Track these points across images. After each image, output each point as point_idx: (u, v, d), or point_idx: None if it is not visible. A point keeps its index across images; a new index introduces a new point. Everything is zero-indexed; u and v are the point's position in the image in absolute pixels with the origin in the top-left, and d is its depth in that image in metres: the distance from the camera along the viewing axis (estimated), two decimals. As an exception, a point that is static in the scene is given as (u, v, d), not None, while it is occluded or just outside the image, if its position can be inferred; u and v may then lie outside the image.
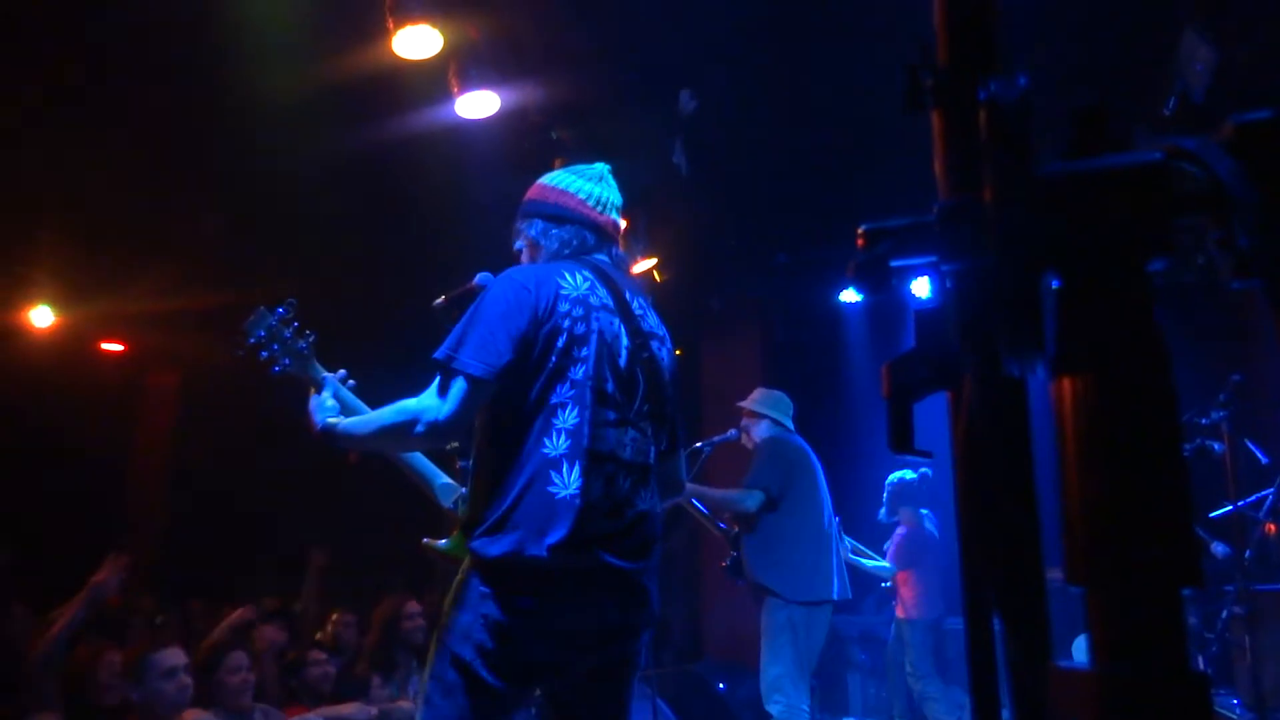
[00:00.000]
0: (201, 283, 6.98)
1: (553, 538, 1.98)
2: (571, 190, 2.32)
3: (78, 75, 5.02)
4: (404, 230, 6.53)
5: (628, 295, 2.26)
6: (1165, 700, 0.56)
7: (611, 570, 2.05)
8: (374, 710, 4.35)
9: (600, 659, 2.13)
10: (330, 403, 2.30)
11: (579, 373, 2.09)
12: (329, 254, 6.82)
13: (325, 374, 2.43)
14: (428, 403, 2.03)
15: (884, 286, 0.71)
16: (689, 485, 4.63)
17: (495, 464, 2.07)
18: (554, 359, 2.07)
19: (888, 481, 6.45)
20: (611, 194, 2.36)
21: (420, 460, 2.45)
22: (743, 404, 4.90)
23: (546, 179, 2.38)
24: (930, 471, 6.42)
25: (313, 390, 2.37)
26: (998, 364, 0.61)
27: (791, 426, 4.81)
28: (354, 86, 4.78)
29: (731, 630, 7.71)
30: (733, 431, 4.89)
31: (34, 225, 6.58)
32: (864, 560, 6.10)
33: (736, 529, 4.66)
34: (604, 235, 2.31)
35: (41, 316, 7.55)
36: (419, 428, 2.02)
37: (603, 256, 2.29)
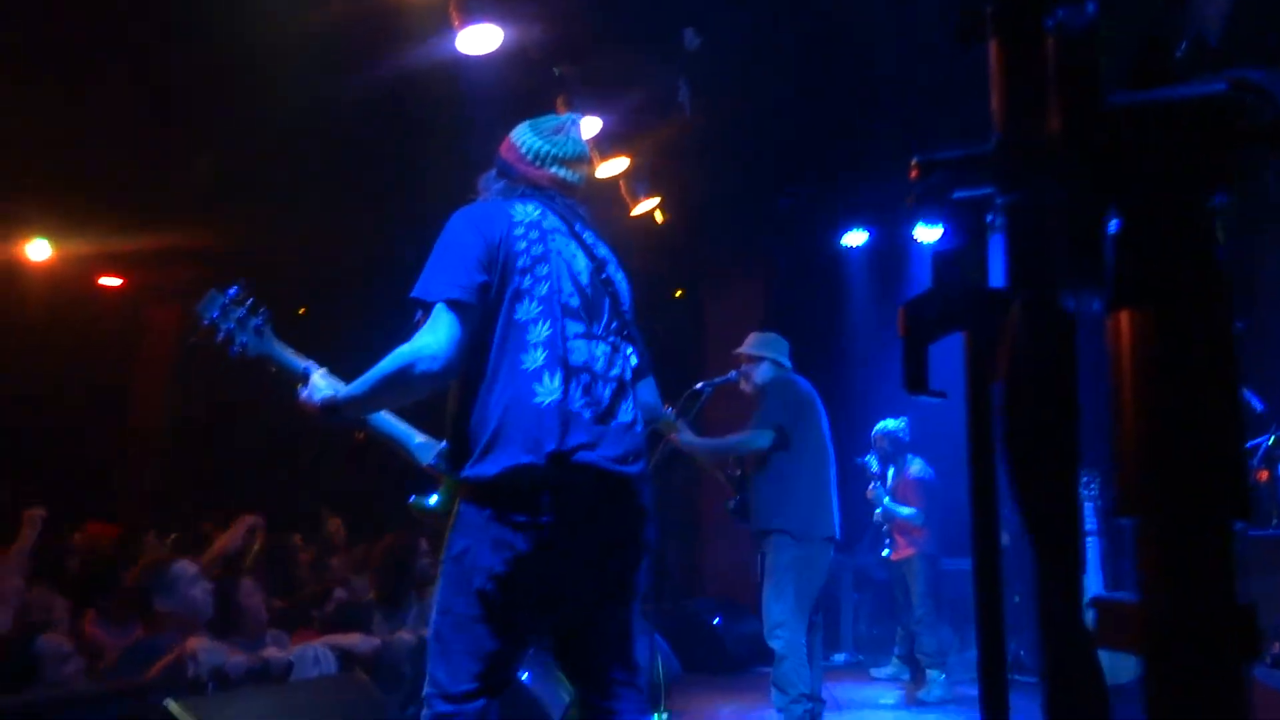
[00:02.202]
0: (200, 218, 6.92)
1: (548, 445, 2.01)
2: (517, 144, 2.36)
3: (75, 12, 4.92)
4: (405, 166, 6.45)
5: (577, 226, 2.31)
6: (1212, 632, 0.57)
7: (605, 475, 2.08)
8: (376, 641, 4.42)
9: (604, 577, 2.15)
10: (322, 383, 2.27)
11: (543, 289, 2.13)
12: (329, 192, 6.75)
13: (309, 363, 2.37)
14: (419, 342, 2.04)
15: (944, 219, 0.70)
16: (692, 435, 4.67)
17: (474, 390, 2.09)
18: (516, 278, 2.12)
19: (880, 431, 6.50)
20: (560, 148, 2.35)
21: (392, 422, 2.43)
22: (740, 350, 4.90)
23: (512, 133, 2.41)
24: (909, 418, 6.49)
25: (298, 384, 2.31)
26: (1051, 298, 0.61)
27: (790, 366, 4.82)
28: (354, 21, 4.69)
29: (728, 568, 7.83)
30: (733, 373, 4.89)
31: (30, 158, 6.49)
32: (897, 508, 6.24)
33: (740, 471, 4.69)
34: (541, 188, 2.32)
35: (38, 250, 7.49)
36: (420, 366, 2.02)
37: (549, 200, 2.31)
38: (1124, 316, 0.63)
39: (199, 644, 3.36)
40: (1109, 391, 0.65)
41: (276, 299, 2.89)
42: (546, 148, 2.34)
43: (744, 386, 4.83)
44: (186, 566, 3.67)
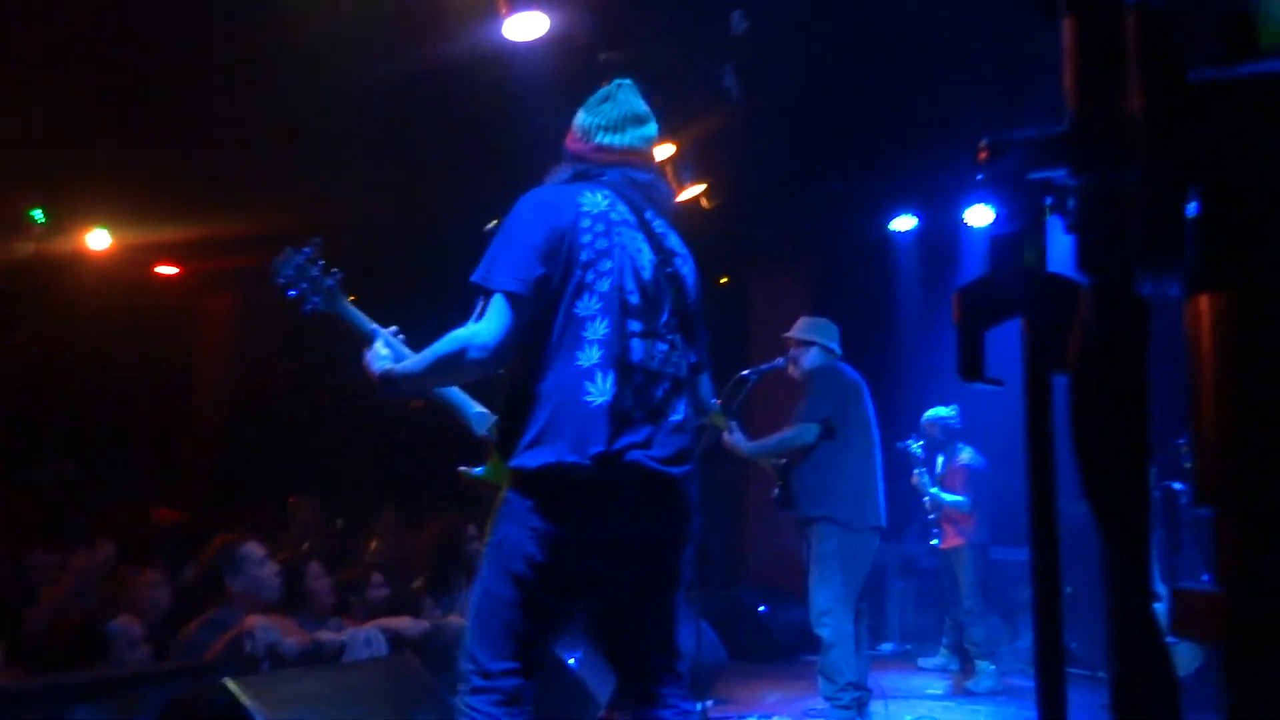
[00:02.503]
0: (253, 207, 7.03)
1: (594, 447, 2.02)
2: (573, 127, 2.38)
3: (126, 4, 5.01)
4: (454, 155, 6.49)
5: (647, 214, 2.29)
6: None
7: (652, 475, 2.09)
8: (426, 624, 4.48)
9: (645, 569, 2.17)
10: (384, 352, 2.32)
11: (605, 285, 2.13)
12: (379, 179, 6.82)
13: (375, 327, 2.43)
14: (474, 328, 2.08)
15: (1024, 202, 0.69)
16: (744, 438, 4.67)
17: (529, 380, 2.11)
18: (579, 272, 2.12)
19: (929, 418, 6.42)
20: (604, 116, 2.34)
21: (453, 391, 2.50)
22: (789, 334, 4.87)
23: (575, 122, 2.41)
24: (959, 407, 6.40)
25: (364, 345, 2.37)
26: (1126, 283, 0.59)
27: (839, 352, 4.78)
28: (404, 8, 4.72)
29: (773, 555, 7.80)
30: (780, 360, 4.86)
31: (89, 149, 6.64)
32: (943, 494, 6.18)
33: (785, 460, 4.67)
34: (591, 162, 2.32)
35: (98, 240, 7.67)
36: (471, 353, 2.06)
37: (615, 175, 2.29)
38: (1204, 301, 0.62)
39: (257, 621, 3.44)
40: (1187, 379, 0.63)
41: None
42: (592, 120, 2.35)
43: (791, 371, 4.80)
44: (255, 548, 3.77)
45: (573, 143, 2.36)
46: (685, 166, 6.35)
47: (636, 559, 2.14)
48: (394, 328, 2.45)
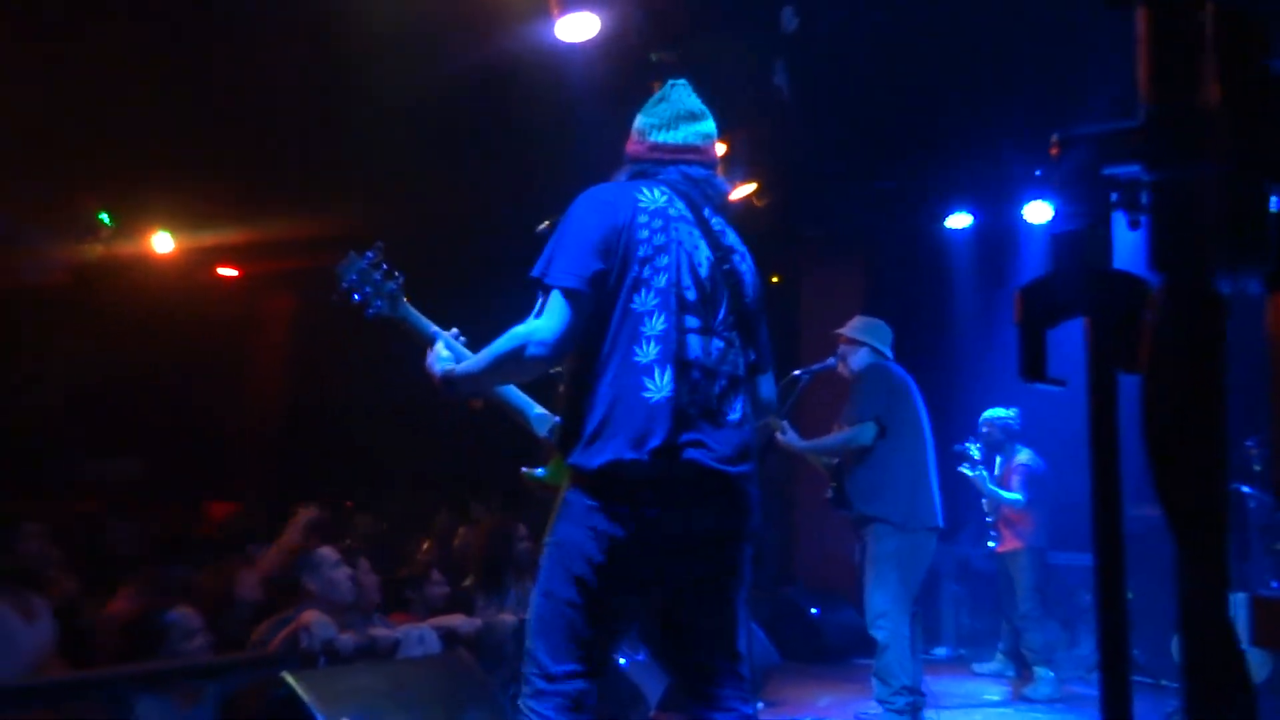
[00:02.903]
0: (310, 210, 7.16)
1: (652, 442, 2.01)
2: (632, 131, 2.40)
3: (187, 10, 5.14)
4: (507, 156, 6.54)
5: (705, 211, 2.29)
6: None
7: (710, 474, 2.07)
8: (478, 622, 4.52)
9: (706, 568, 2.15)
10: (445, 353, 2.33)
11: (661, 281, 2.12)
12: (432, 181, 6.90)
13: (436, 329, 2.46)
14: (533, 324, 2.08)
15: (1093, 198, 0.67)
16: (797, 436, 4.63)
17: (587, 377, 2.11)
18: (635, 268, 2.11)
19: (988, 418, 6.32)
20: (658, 115, 2.37)
21: (514, 392, 2.50)
22: (840, 331, 4.83)
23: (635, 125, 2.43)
24: (1020, 409, 6.29)
25: (426, 348, 2.38)
26: (1204, 281, 0.57)
27: (890, 355, 4.73)
28: (457, 10, 4.77)
29: (824, 555, 7.74)
30: (831, 360, 4.83)
31: (153, 155, 6.82)
32: (998, 490, 6.08)
33: (837, 460, 4.63)
34: (648, 162, 2.33)
35: (162, 242, 7.88)
36: (531, 349, 2.06)
37: (673, 173, 2.30)
38: (1288, 299, 0.59)
39: (313, 616, 3.50)
40: (1270, 376, 0.61)
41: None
42: (646, 120, 2.37)
43: (841, 370, 4.77)
44: (330, 552, 3.90)
45: (631, 146, 2.38)
46: (736, 165, 6.32)
47: (696, 558, 2.13)
48: (454, 330, 2.46)
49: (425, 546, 6.55)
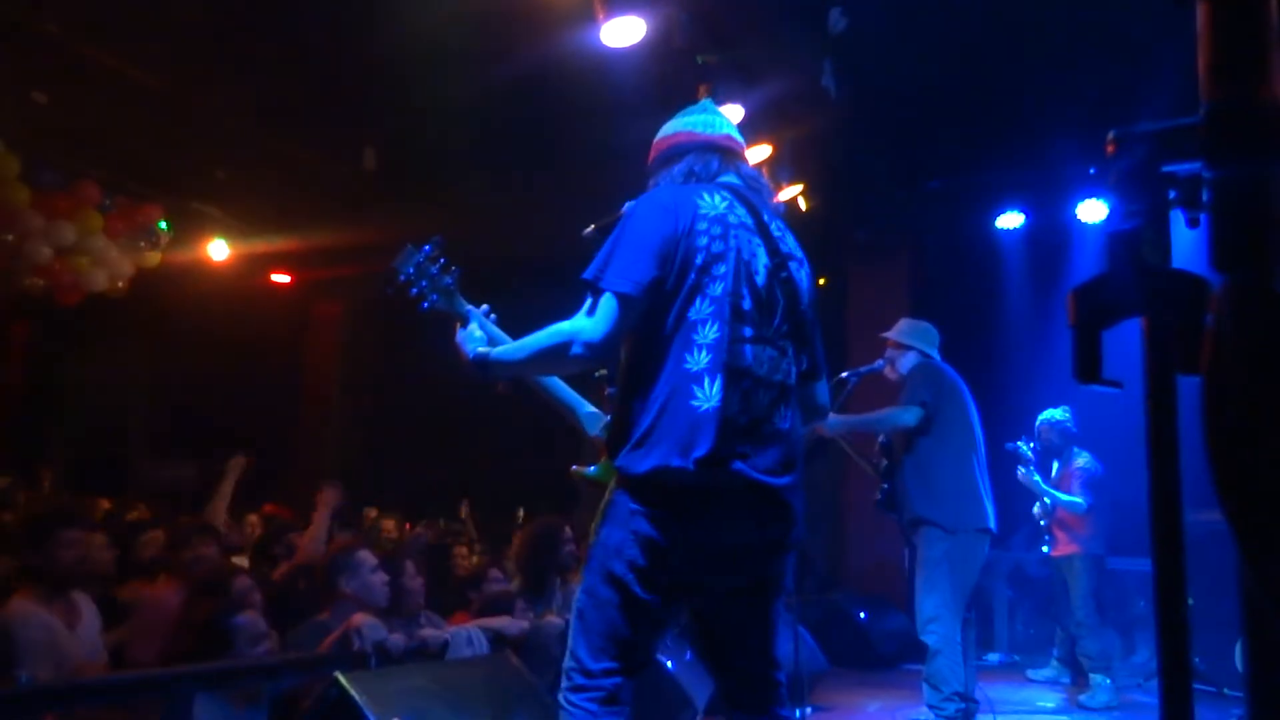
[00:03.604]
0: (360, 217, 7.28)
1: (698, 451, 2.01)
2: (677, 129, 2.38)
3: (238, 19, 5.25)
4: (553, 161, 6.59)
5: (765, 216, 2.27)
6: None
7: (754, 485, 2.06)
8: (525, 624, 4.55)
9: (746, 577, 2.15)
10: (478, 334, 2.35)
11: (717, 289, 2.10)
12: (480, 186, 6.97)
13: (469, 307, 2.47)
14: (581, 323, 2.07)
15: (1151, 196, 0.66)
16: (836, 416, 4.60)
17: (638, 381, 2.10)
18: (693, 276, 2.10)
19: (1045, 420, 6.21)
20: (719, 118, 2.40)
21: (565, 389, 2.51)
22: (887, 335, 4.78)
23: (658, 135, 2.42)
24: (1073, 409, 6.17)
25: (458, 324, 2.41)
26: (1265, 279, 0.56)
27: (938, 358, 4.67)
28: (505, 19, 4.82)
29: (873, 561, 7.67)
30: (879, 362, 4.78)
31: (211, 165, 6.98)
32: (1056, 493, 5.98)
33: (886, 461, 4.59)
34: (725, 154, 2.34)
35: (218, 250, 8.06)
36: (575, 348, 2.05)
37: (732, 177, 2.30)
38: (1355, 299, 0.57)
39: (364, 619, 3.55)
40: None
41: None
42: (710, 118, 2.40)
43: (888, 373, 4.72)
44: (368, 555, 3.94)
45: (691, 137, 2.35)
46: (783, 166, 6.29)
47: (737, 567, 2.13)
48: (485, 306, 2.48)
49: (464, 512, 6.64)
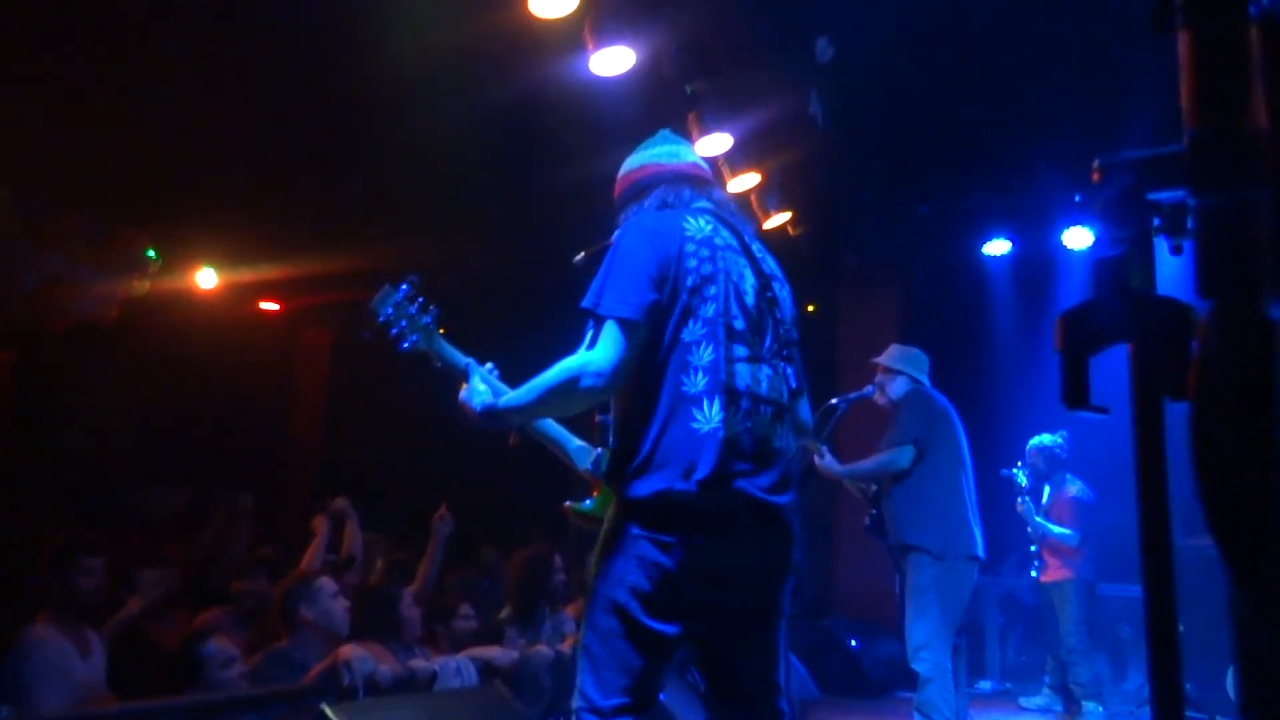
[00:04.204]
0: (347, 245, 7.28)
1: (700, 473, 2.01)
2: (642, 162, 2.41)
3: (227, 49, 5.27)
4: (542, 190, 6.61)
5: (747, 238, 2.30)
6: None
7: (757, 505, 2.07)
8: (515, 654, 4.51)
9: (750, 600, 2.15)
10: (481, 387, 2.32)
11: (709, 311, 2.12)
12: (469, 215, 6.99)
13: (468, 360, 2.45)
14: (586, 355, 2.07)
15: (1136, 223, 0.66)
16: (835, 462, 4.60)
17: (637, 407, 2.11)
18: (684, 297, 2.11)
19: (1034, 446, 6.24)
20: (682, 147, 2.44)
21: (552, 425, 2.50)
22: (877, 360, 4.80)
23: (622, 170, 2.45)
24: (1068, 434, 6.19)
25: (462, 383, 2.37)
26: (1250, 306, 0.56)
27: (928, 383, 4.69)
28: (494, 49, 4.85)
29: (864, 586, 7.63)
30: (869, 388, 4.80)
31: (197, 193, 6.98)
32: (1049, 525, 5.98)
33: (875, 487, 4.59)
34: (695, 181, 2.37)
35: (206, 278, 8.05)
36: (585, 380, 2.04)
37: (706, 203, 2.33)
38: (1340, 325, 0.58)
39: (352, 652, 3.51)
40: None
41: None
42: (673, 147, 2.43)
43: (878, 399, 4.73)
44: (329, 582, 3.91)
45: (649, 170, 2.38)
46: (771, 194, 6.33)
47: (741, 590, 2.12)
48: (490, 365, 2.45)
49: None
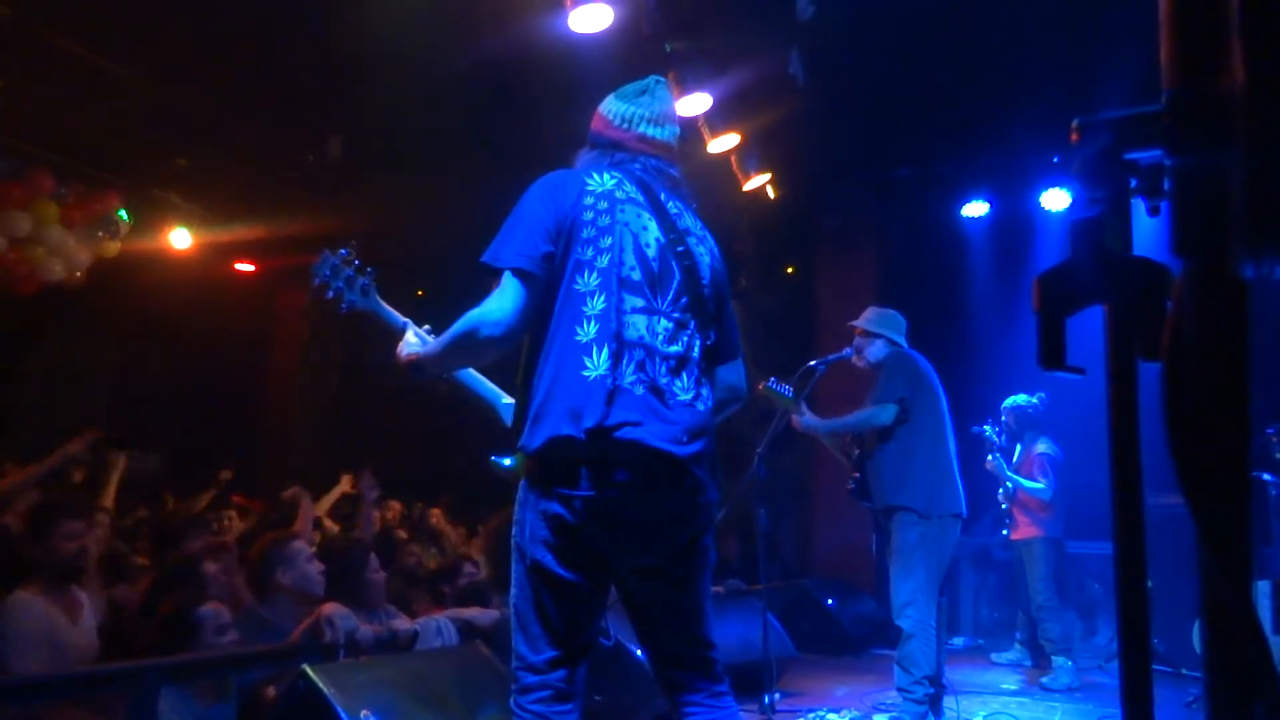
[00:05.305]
0: (326, 205, 7.19)
1: (588, 420, 2.00)
2: (605, 113, 2.41)
3: (201, 6, 5.16)
4: (519, 148, 6.54)
5: (662, 195, 2.29)
6: None
7: (654, 454, 2.03)
8: (495, 614, 4.54)
9: (659, 550, 2.13)
10: (414, 340, 2.41)
11: (604, 261, 2.13)
12: (444, 174, 6.92)
13: (404, 320, 2.53)
14: (486, 306, 2.09)
15: (1113, 184, 0.66)
16: (813, 417, 4.63)
17: (531, 358, 2.13)
18: (578, 249, 2.13)
19: (1008, 406, 6.31)
20: (646, 107, 2.39)
21: (482, 383, 2.57)
22: (855, 323, 4.81)
23: (600, 106, 2.44)
24: (1046, 395, 6.26)
25: (397, 338, 2.46)
26: (1224, 266, 0.57)
27: (906, 345, 4.71)
28: (469, 3, 4.77)
29: (841, 546, 7.73)
30: (847, 350, 4.81)
31: (172, 153, 6.87)
32: (1021, 480, 6.06)
33: (858, 450, 4.63)
34: (630, 150, 2.35)
35: (180, 238, 7.93)
36: (484, 330, 2.07)
37: (635, 166, 2.32)
38: (1312, 285, 0.58)
39: (334, 609, 3.52)
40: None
41: (398, 280, 3.03)
42: (632, 109, 2.38)
43: (857, 361, 4.75)
44: (303, 545, 3.90)
45: (608, 129, 2.38)
46: (751, 155, 6.30)
47: (647, 540, 2.11)
48: (427, 326, 2.53)
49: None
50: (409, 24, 4.95)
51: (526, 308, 2.09)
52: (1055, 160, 6.79)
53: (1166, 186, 0.66)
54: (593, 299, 2.10)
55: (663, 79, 2.48)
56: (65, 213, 6.93)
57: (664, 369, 2.12)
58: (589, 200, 2.18)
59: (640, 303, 2.14)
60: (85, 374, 9.02)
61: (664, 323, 2.15)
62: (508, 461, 2.43)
